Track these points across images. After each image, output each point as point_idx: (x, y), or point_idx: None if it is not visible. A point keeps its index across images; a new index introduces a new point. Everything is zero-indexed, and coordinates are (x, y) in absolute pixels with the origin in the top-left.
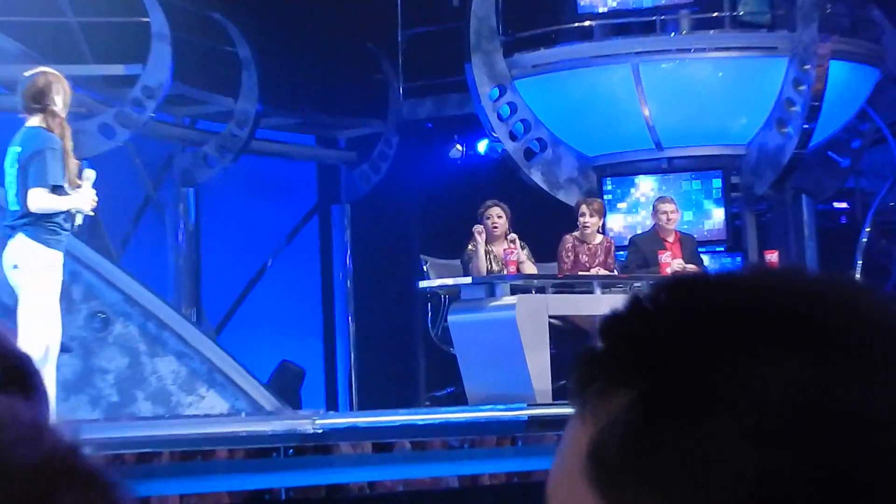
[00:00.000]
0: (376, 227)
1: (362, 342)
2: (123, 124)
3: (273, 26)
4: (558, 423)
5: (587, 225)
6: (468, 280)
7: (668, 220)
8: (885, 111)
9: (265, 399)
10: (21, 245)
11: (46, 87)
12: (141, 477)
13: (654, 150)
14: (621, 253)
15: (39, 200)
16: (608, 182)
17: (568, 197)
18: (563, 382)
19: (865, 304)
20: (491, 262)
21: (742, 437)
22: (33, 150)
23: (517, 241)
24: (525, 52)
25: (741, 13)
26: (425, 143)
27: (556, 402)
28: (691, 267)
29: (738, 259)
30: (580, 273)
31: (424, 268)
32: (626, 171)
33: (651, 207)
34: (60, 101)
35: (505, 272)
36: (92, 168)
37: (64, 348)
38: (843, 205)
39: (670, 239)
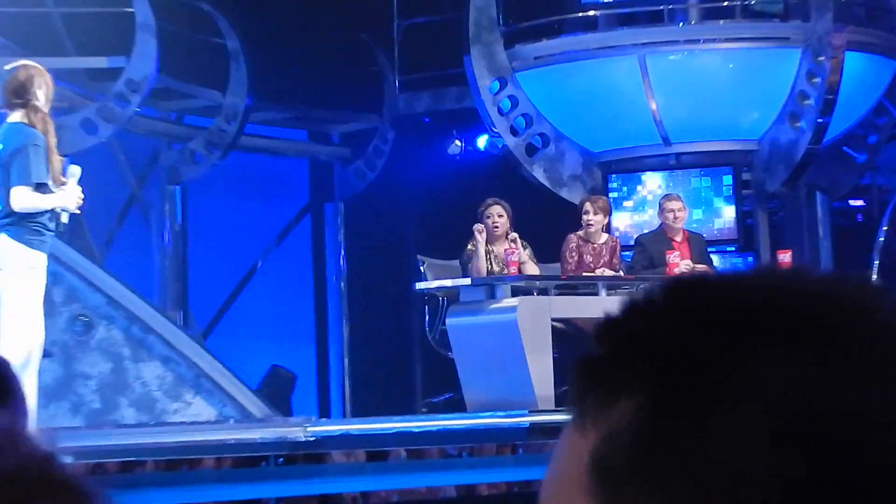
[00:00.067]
0: (371, 227)
1: (356, 346)
2: (107, 119)
3: (263, 16)
4: (561, 430)
5: (591, 223)
6: (467, 281)
7: (676, 218)
8: None
9: (254, 406)
10: (3, 246)
11: (28, 80)
12: (124, 487)
13: (661, 145)
14: (627, 253)
15: (23, 199)
16: (613, 179)
17: (571, 195)
18: (566, 388)
19: (872, 304)
20: (491, 263)
21: (749, 441)
22: (15, 146)
23: (518, 241)
24: (526, 43)
25: (752, 2)
26: (422, 138)
27: (558, 408)
28: (701, 267)
29: (750, 259)
30: (584, 274)
31: (422, 269)
32: (632, 167)
33: (657, 206)
34: (43, 95)
35: (506, 273)
36: (79, 165)
37: (44, 353)
38: (859, 202)
39: (678, 238)
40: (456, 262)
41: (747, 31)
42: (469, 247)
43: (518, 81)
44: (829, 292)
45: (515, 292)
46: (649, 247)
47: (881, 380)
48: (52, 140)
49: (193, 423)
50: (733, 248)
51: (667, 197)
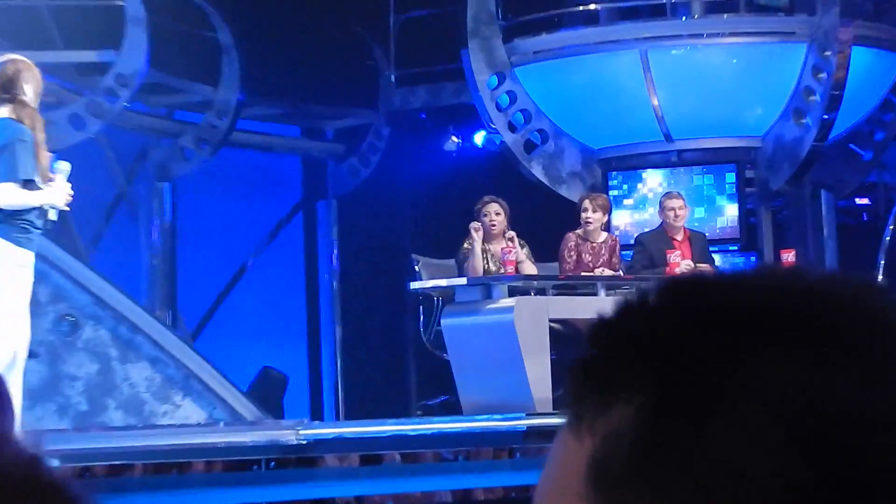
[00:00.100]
0: (365, 225)
1: (349, 347)
2: (95, 115)
3: (255, 9)
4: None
5: (590, 221)
6: (463, 281)
7: (676, 216)
8: None
9: (245, 408)
10: None
11: (16, 75)
12: (112, 491)
13: (663, 142)
14: (627, 252)
15: (10, 196)
16: (614, 176)
17: (571, 192)
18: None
19: (873, 304)
20: (488, 262)
21: (750, 441)
22: (2, 142)
23: (516, 240)
24: (526, 37)
25: None
26: (418, 134)
27: (556, 411)
28: (704, 267)
29: (753, 259)
30: (583, 274)
31: (416, 268)
32: (633, 164)
33: (658, 204)
34: (31, 90)
35: (503, 272)
36: (67, 161)
37: (30, 354)
38: (865, 201)
39: (679, 237)
40: (452, 262)
41: (752, 26)
42: (465, 245)
43: (517, 76)
44: (829, 292)
45: (512, 292)
46: (649, 246)
47: (881, 380)
48: (41, 136)
49: (182, 425)
50: (736, 248)
51: (667, 195)
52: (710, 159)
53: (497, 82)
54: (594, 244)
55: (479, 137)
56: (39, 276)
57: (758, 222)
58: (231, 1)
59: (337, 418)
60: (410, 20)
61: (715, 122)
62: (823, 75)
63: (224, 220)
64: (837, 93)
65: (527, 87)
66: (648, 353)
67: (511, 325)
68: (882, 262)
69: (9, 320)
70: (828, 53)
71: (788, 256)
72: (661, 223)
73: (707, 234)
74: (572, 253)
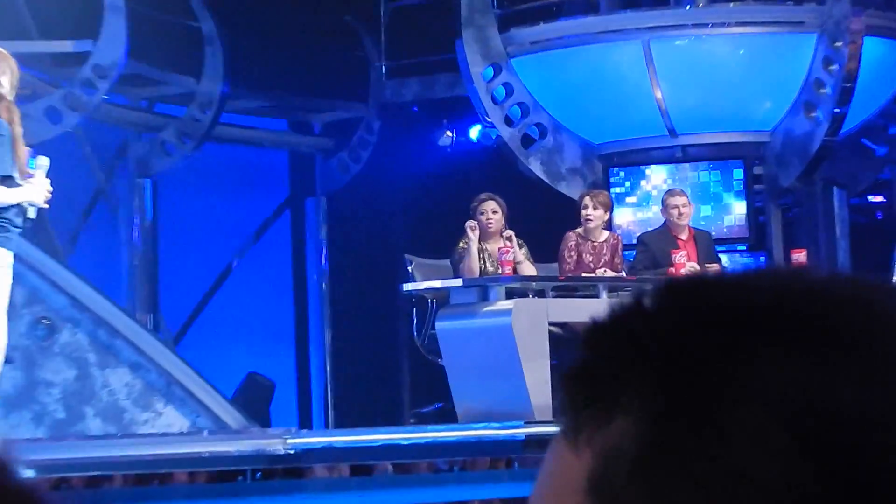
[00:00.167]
0: (355, 223)
1: (339, 352)
2: (72, 107)
3: None
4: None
5: (591, 219)
6: (459, 282)
7: (680, 214)
8: None
9: (230, 416)
10: None
11: None
12: (90, 503)
13: (667, 136)
14: (630, 252)
15: None
16: (615, 173)
17: (570, 189)
18: None
19: (874, 303)
20: (485, 262)
21: (753, 444)
22: None
23: (514, 239)
24: (523, 26)
25: None
26: (411, 128)
27: (556, 419)
28: (711, 268)
29: (762, 259)
30: (584, 274)
31: (409, 269)
32: (635, 160)
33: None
34: (7, 81)
35: (500, 273)
36: (44, 155)
37: (5, 359)
38: (879, 198)
39: (683, 236)
40: (446, 262)
41: (759, 15)
42: (460, 245)
43: (513, 68)
44: (829, 291)
45: (510, 294)
46: (653, 246)
47: (882, 379)
48: (18, 130)
49: (164, 434)
50: (744, 248)
51: (670, 192)
52: (716, 155)
53: (493, 74)
54: (595, 244)
55: (474, 132)
56: (14, 277)
57: (767, 221)
58: None
59: (326, 427)
60: (402, 8)
61: (721, 116)
62: (835, 67)
63: (208, 218)
64: (849, 85)
65: (524, 78)
66: (647, 360)
67: (509, 328)
68: None
69: None
70: (839, 44)
71: (799, 257)
72: (665, 222)
73: (713, 234)
74: (572, 253)
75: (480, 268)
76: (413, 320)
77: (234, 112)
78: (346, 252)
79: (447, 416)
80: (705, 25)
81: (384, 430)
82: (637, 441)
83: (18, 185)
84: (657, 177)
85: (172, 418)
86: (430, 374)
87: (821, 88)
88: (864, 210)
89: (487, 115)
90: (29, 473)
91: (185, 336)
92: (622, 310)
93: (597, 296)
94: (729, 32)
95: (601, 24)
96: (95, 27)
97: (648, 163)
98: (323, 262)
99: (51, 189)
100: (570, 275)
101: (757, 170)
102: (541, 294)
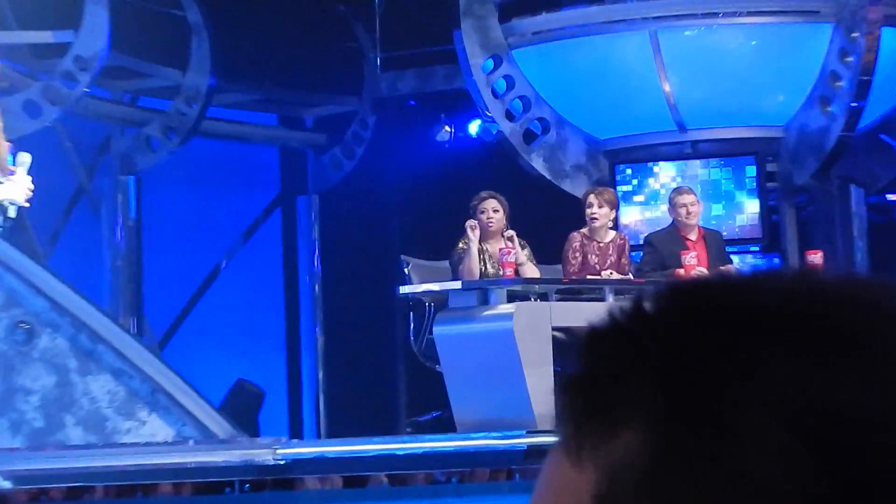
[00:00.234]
0: (349, 223)
1: (332, 358)
2: (52, 101)
3: None
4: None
5: (596, 217)
6: (458, 285)
7: (689, 213)
8: None
9: (217, 425)
10: None
11: None
12: None
13: (676, 132)
14: (637, 253)
15: None
16: (622, 170)
17: (574, 187)
18: None
19: (875, 303)
20: (485, 264)
21: (757, 446)
22: None
23: (516, 240)
24: (524, 16)
25: None
26: (407, 123)
27: (555, 429)
28: (727, 269)
29: (776, 260)
30: (589, 277)
31: (406, 270)
32: (642, 156)
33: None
34: None
35: (501, 275)
36: (26, 151)
37: None
38: None
39: (692, 236)
40: (445, 263)
41: (772, 4)
42: (460, 245)
43: (515, 60)
44: (834, 292)
45: (512, 297)
46: (660, 247)
47: (882, 380)
48: None
49: (148, 444)
50: (757, 248)
51: (677, 190)
52: (727, 151)
53: (493, 66)
54: (601, 244)
55: (473, 127)
56: None
57: (781, 220)
58: None
59: (318, 436)
60: None
61: (732, 111)
62: (851, 59)
63: (194, 217)
64: (866, 78)
65: (525, 71)
66: (647, 361)
67: (510, 333)
68: None
69: None
70: (855, 35)
71: (814, 257)
72: (672, 222)
73: (725, 234)
74: (577, 254)
75: (480, 269)
76: (410, 324)
77: (222, 106)
78: (339, 253)
79: (445, 425)
80: (716, 15)
81: (379, 440)
82: (643, 455)
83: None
84: (665, 174)
85: (157, 427)
86: (428, 381)
87: (837, 81)
88: (882, 208)
89: (487, 110)
90: (6, 485)
91: (171, 341)
92: (622, 313)
93: (602, 299)
94: (740, 22)
95: (606, 13)
96: (76, 17)
97: (656, 159)
98: (315, 263)
99: (32, 187)
100: (574, 277)
101: (770, 167)
102: (544, 297)
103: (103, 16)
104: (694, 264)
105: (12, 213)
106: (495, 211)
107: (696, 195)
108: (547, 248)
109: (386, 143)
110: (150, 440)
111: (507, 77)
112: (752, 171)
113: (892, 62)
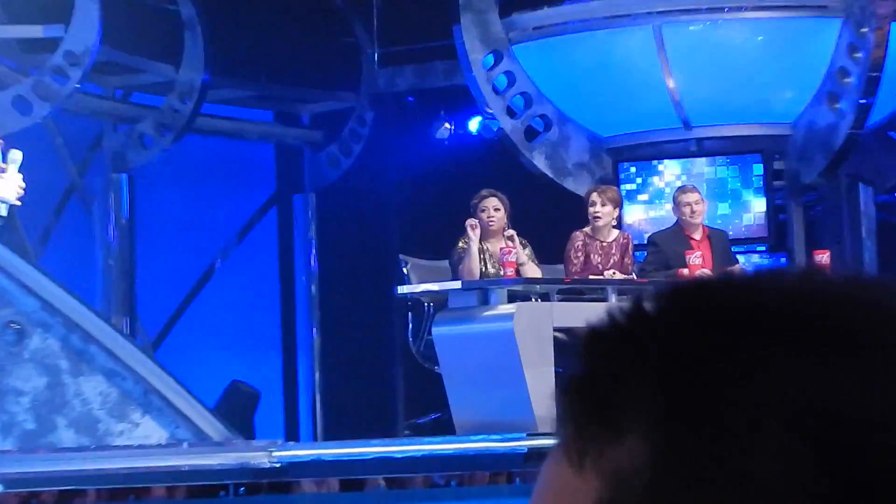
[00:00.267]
0: (347, 222)
1: (329, 359)
2: (42, 97)
3: None
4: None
5: (599, 216)
6: (457, 285)
7: (693, 212)
8: None
9: (212, 427)
10: None
11: None
12: None
13: (680, 129)
14: (641, 252)
15: None
16: (625, 168)
17: (577, 185)
18: None
19: (876, 303)
20: (485, 263)
21: (758, 448)
22: None
23: (517, 239)
24: (525, 11)
25: None
26: (406, 120)
27: (555, 433)
28: (733, 270)
29: (782, 260)
30: (591, 277)
31: (405, 270)
32: (646, 154)
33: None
34: None
35: (502, 275)
36: (16, 149)
37: None
38: None
39: (697, 236)
40: (444, 263)
41: None
42: (460, 245)
43: (515, 55)
44: (835, 292)
45: (512, 297)
46: (664, 246)
47: (882, 380)
48: None
49: (141, 446)
50: (763, 248)
51: (681, 189)
52: (733, 149)
53: (493, 62)
54: (604, 243)
55: (473, 124)
56: None
57: (788, 219)
58: None
59: (314, 438)
60: None
61: (739, 107)
62: (860, 54)
63: (188, 215)
64: (875, 74)
65: (527, 67)
66: (647, 361)
67: (511, 333)
68: None
69: None
70: (865, 30)
71: (822, 257)
72: (677, 221)
73: (731, 233)
74: (579, 253)
75: (481, 269)
76: (408, 325)
77: (216, 102)
78: (336, 252)
79: (444, 427)
80: (721, 10)
81: (376, 443)
82: (647, 462)
83: None
84: (670, 172)
85: (150, 429)
86: (427, 383)
87: (845, 77)
88: (891, 208)
89: (488, 106)
90: None
91: (164, 342)
92: (622, 313)
93: (605, 299)
94: (747, 17)
95: (609, 7)
96: (67, 11)
97: (661, 157)
98: (312, 262)
99: (23, 185)
100: (576, 277)
101: (777, 165)
102: (545, 297)
103: (94, 10)
104: (698, 264)
105: (3, 211)
106: (496, 210)
107: (700, 194)
108: (548, 248)
109: (384, 141)
110: (143, 442)
111: (507, 73)
112: (758, 169)
113: None
